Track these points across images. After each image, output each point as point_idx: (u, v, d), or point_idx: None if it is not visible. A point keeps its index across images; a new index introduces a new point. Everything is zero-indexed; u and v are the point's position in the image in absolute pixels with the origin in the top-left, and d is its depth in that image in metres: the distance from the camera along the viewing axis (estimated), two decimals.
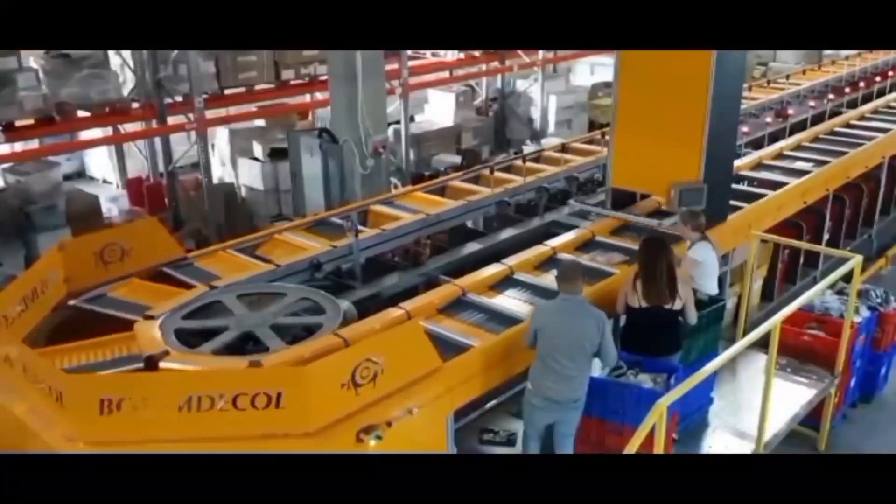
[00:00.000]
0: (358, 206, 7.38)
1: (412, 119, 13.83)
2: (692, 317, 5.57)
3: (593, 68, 17.61)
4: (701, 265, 5.98)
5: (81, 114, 9.86)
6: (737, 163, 8.39)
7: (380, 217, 7.07)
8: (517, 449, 5.47)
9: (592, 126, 15.49)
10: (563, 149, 9.29)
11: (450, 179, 8.38)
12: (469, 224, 7.58)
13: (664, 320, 5.49)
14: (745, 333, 6.68)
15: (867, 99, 12.57)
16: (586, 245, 6.69)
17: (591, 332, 4.93)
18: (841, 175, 9.07)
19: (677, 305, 5.45)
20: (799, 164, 9.20)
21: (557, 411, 5.04)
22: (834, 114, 11.50)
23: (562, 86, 16.31)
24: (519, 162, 8.64)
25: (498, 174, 8.17)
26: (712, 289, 6.09)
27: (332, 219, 6.97)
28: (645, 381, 5.23)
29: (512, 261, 6.13)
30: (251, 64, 11.16)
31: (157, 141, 11.45)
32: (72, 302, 5.44)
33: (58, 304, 5.37)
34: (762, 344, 5.93)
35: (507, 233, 7.15)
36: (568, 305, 4.99)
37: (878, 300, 7.25)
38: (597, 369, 5.29)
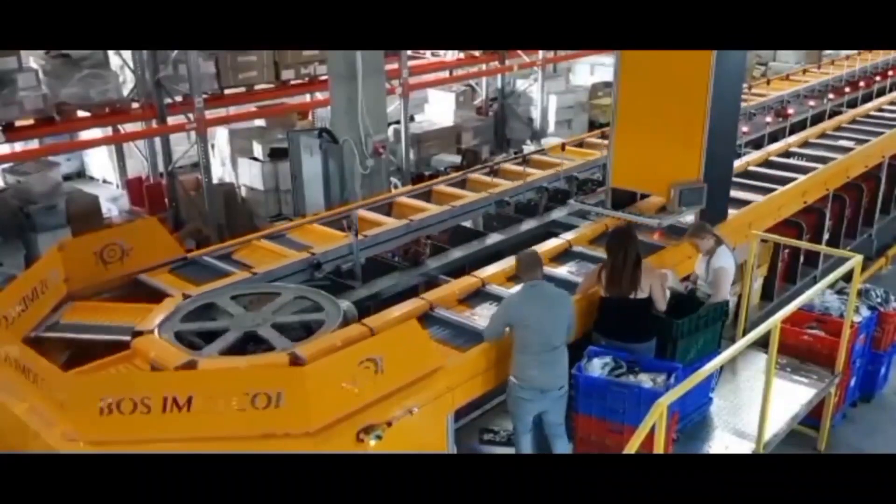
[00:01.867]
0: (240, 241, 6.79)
1: (412, 119, 13.83)
2: (661, 305, 5.62)
3: (593, 68, 17.61)
4: (728, 272, 6.05)
5: (81, 114, 9.87)
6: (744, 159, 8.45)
7: (259, 250, 6.47)
8: None
9: (592, 126, 15.50)
10: (563, 148, 9.30)
11: (449, 179, 8.39)
12: (469, 224, 7.58)
13: (631, 310, 5.54)
14: (745, 333, 6.68)
15: (867, 98, 12.57)
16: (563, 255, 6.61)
17: (564, 311, 5.11)
18: (841, 174, 9.07)
19: (640, 295, 5.49)
20: (858, 135, 9.83)
21: (544, 401, 5.11)
22: (834, 113, 11.50)
23: (562, 85, 16.31)
24: (519, 161, 8.65)
25: (497, 173, 8.18)
26: (727, 293, 6.12)
27: (205, 258, 6.27)
28: (645, 380, 5.23)
29: (484, 273, 5.99)
30: (251, 64, 11.16)
31: (157, 141, 11.44)
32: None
33: (59, 302, 5.39)
34: (762, 343, 5.94)
35: (507, 233, 7.15)
36: (538, 292, 5.07)
37: (878, 300, 7.26)
38: (597, 369, 5.31)
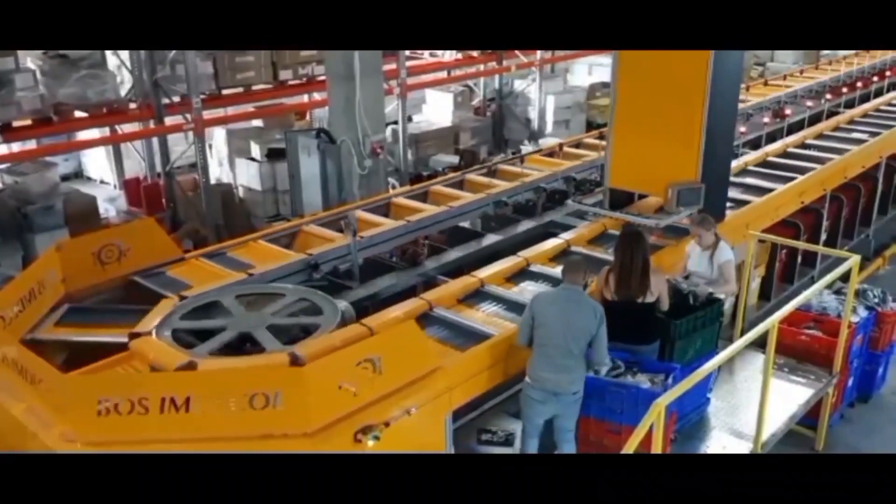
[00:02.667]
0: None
1: (410, 119, 13.82)
2: (666, 306, 5.63)
3: (591, 68, 17.60)
4: (734, 264, 6.14)
5: (79, 114, 9.86)
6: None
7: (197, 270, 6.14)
8: (515, 449, 5.47)
9: (590, 126, 15.50)
10: (561, 149, 9.30)
11: (447, 179, 8.39)
12: (467, 224, 7.58)
13: (639, 314, 5.53)
14: (742, 333, 6.68)
15: (865, 99, 12.59)
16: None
17: (588, 322, 5.00)
18: (838, 175, 9.09)
19: (649, 299, 5.48)
20: (856, 135, 10.02)
21: (556, 404, 5.06)
22: (831, 114, 11.51)
23: (559, 86, 16.31)
24: (517, 162, 8.65)
25: (495, 174, 8.18)
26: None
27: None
28: (643, 381, 5.24)
29: (528, 253, 6.33)
30: (249, 64, 11.15)
31: (155, 141, 11.43)
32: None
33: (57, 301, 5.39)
34: (760, 344, 5.94)
35: (505, 233, 7.15)
36: (566, 295, 5.06)
37: (876, 300, 7.26)
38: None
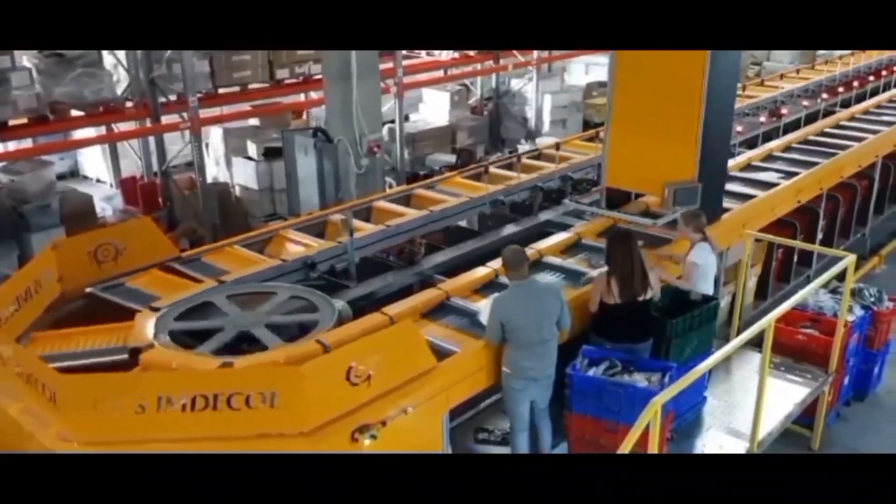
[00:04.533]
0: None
1: (407, 118, 13.82)
2: (657, 297, 5.68)
3: (588, 68, 17.60)
4: (700, 268, 6.02)
5: (75, 113, 9.84)
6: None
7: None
8: None
9: (587, 125, 15.50)
10: (558, 148, 9.30)
11: (444, 178, 8.39)
12: (464, 223, 7.58)
13: (640, 312, 5.56)
14: (739, 332, 6.69)
15: (861, 98, 12.60)
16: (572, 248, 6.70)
17: (554, 306, 5.16)
18: (835, 174, 9.10)
19: (649, 295, 5.54)
20: (852, 134, 10.20)
21: (535, 389, 5.21)
22: (828, 113, 11.52)
23: (556, 85, 16.30)
24: (514, 161, 8.65)
25: (493, 173, 8.17)
26: (708, 289, 6.12)
27: None
28: (639, 379, 5.24)
29: (496, 263, 6.05)
30: (245, 63, 11.13)
31: (152, 140, 11.42)
32: (89, 289, 5.55)
33: (52, 302, 5.38)
34: (756, 343, 5.95)
35: (502, 232, 7.15)
36: (525, 290, 5.15)
37: (872, 299, 7.27)
38: (592, 367, 5.32)
